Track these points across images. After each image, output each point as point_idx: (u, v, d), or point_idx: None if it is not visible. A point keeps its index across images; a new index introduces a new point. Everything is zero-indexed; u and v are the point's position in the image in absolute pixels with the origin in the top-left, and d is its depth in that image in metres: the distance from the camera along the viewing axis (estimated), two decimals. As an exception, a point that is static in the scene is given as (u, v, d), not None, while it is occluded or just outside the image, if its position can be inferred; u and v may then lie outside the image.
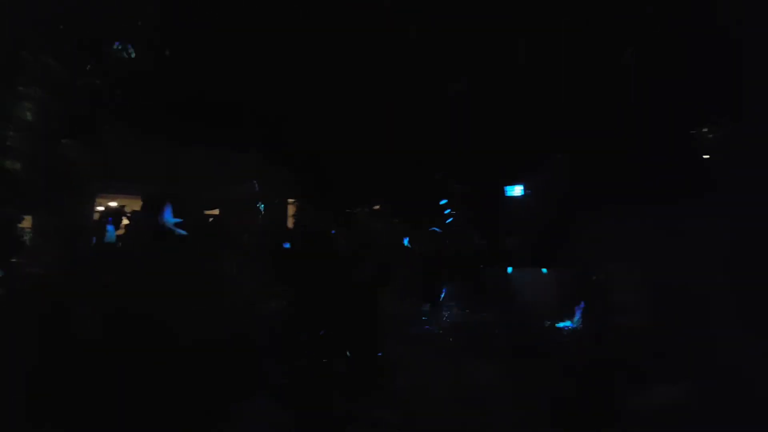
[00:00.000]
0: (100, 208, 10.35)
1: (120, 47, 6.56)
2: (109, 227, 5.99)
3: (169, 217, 4.55)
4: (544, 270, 5.66)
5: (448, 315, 5.04)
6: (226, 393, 3.50)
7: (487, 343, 4.73)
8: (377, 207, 5.99)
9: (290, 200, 6.41)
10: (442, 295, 5.11)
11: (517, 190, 9.00)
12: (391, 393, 3.66)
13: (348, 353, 3.91)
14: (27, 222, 5.77)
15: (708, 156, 5.57)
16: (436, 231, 6.02)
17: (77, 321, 3.70)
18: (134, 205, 5.88)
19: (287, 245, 4.89)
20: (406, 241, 5.27)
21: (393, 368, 3.90)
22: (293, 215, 5.33)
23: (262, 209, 6.23)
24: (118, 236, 5.38)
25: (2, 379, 3.33)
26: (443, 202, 6.63)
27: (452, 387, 3.91)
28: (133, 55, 6.57)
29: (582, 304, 4.76)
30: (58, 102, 6.18)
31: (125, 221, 5.35)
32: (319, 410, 3.34)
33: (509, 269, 5.86)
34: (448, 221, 6.06)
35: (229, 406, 3.44)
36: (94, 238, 5.84)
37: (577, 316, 4.98)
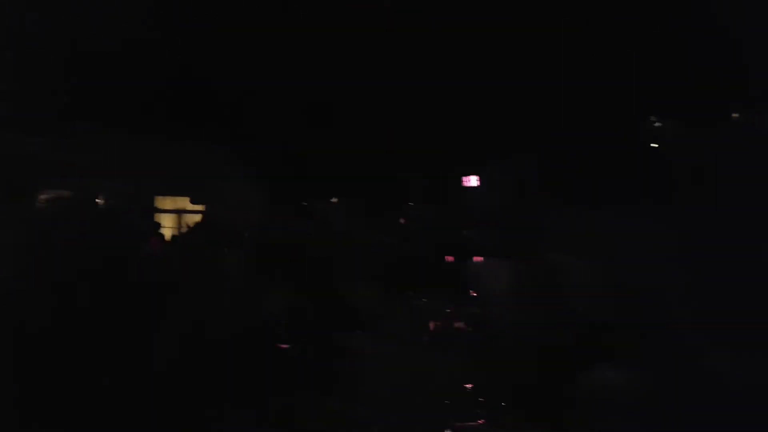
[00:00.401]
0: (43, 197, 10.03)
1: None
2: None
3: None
4: (507, 260, 5.73)
5: (412, 307, 5.06)
6: (188, 393, 3.46)
7: (451, 334, 4.78)
8: (335, 200, 5.98)
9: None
10: (407, 288, 5.13)
11: (475, 181, 9.14)
12: (355, 387, 3.67)
13: (312, 347, 3.91)
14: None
15: (667, 151, 5.72)
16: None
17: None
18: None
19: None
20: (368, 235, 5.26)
21: (357, 362, 3.91)
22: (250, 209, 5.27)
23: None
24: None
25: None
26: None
27: (416, 379, 3.95)
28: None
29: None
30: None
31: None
32: (282, 405, 3.33)
33: (473, 260, 5.92)
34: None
35: (191, 405, 3.39)
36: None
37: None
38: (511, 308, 5.12)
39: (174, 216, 12.10)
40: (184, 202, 12.61)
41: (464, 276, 5.66)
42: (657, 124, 6.29)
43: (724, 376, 3.65)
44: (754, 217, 4.05)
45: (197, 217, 12.14)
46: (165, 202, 12.15)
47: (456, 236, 6.24)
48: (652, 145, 6.27)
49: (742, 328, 3.64)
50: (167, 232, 11.27)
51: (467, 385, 4.05)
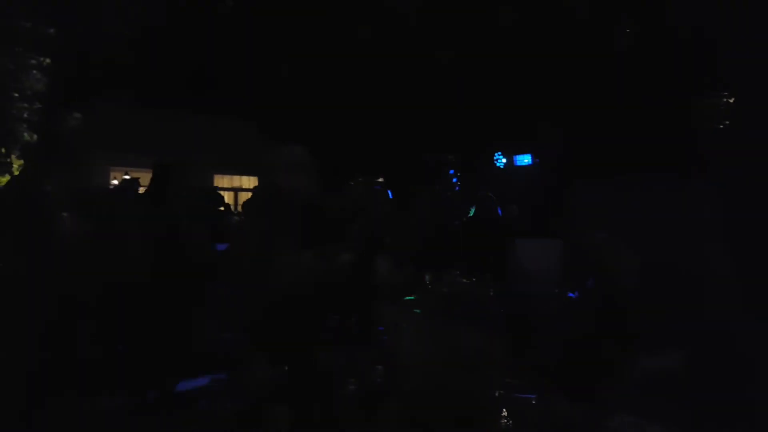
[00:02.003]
0: (115, 182, 10.59)
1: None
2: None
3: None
4: (550, 240, 5.64)
5: (446, 284, 5.04)
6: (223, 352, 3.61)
7: (485, 311, 4.75)
8: (381, 179, 5.99)
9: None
10: (442, 264, 5.12)
11: (525, 160, 8.98)
12: (381, 353, 3.72)
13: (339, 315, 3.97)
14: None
15: (709, 127, 5.46)
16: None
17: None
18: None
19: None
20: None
21: (386, 331, 3.96)
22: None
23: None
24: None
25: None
26: (451, 171, 6.64)
27: (444, 350, 3.95)
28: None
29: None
30: (64, 71, 6.26)
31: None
32: (310, 366, 3.40)
33: (513, 239, 5.85)
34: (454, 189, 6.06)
35: (224, 362, 3.54)
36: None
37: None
38: (553, 287, 5.05)
39: (231, 194, 12.56)
40: (240, 181, 13.05)
41: (507, 254, 5.59)
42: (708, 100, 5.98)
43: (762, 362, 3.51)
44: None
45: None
46: (222, 180, 12.61)
47: (501, 214, 6.16)
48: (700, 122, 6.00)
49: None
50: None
51: (499, 359, 4.03)
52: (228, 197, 12.43)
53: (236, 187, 12.70)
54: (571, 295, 4.87)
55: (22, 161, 5.86)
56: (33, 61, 6.09)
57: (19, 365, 3.38)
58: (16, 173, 5.75)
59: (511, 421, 3.15)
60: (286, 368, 3.15)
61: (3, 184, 5.57)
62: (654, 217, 4.22)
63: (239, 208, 11.60)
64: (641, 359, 3.78)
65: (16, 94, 6.00)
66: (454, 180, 6.29)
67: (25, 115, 6.10)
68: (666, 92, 5.73)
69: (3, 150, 5.88)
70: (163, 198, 4.51)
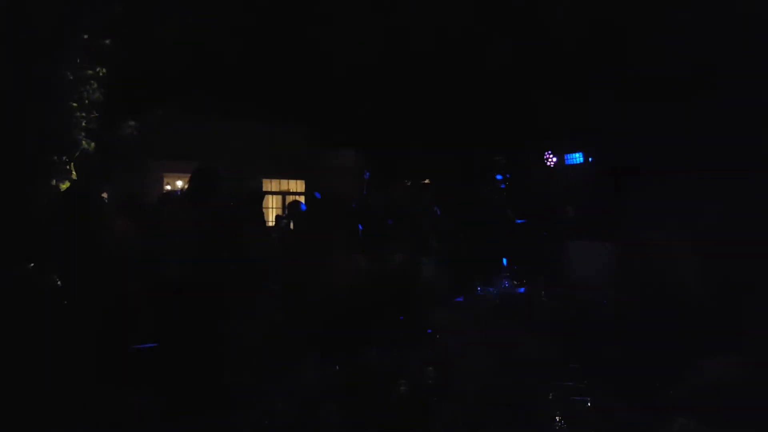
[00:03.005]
0: (168, 187, 10.90)
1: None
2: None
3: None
4: (604, 241, 5.48)
5: (496, 286, 5.00)
6: (279, 352, 3.65)
7: (535, 314, 4.68)
8: (427, 181, 5.96)
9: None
10: (492, 267, 5.06)
11: (577, 158, 8.73)
12: (433, 355, 3.69)
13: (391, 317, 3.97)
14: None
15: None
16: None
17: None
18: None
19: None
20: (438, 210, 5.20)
21: (436, 333, 3.93)
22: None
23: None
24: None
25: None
26: (499, 177, 6.56)
27: (494, 352, 3.90)
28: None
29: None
30: (120, 81, 6.47)
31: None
32: (362, 366, 3.40)
33: (564, 240, 5.73)
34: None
35: (280, 364, 3.57)
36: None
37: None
38: (607, 289, 4.91)
39: (279, 197, 12.78)
40: (288, 184, 13.26)
41: (557, 256, 5.47)
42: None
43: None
44: None
45: (300, 198, 12.75)
46: (271, 184, 12.83)
47: (551, 215, 6.06)
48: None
49: None
50: (271, 213, 11.88)
51: (550, 363, 3.94)
52: (276, 200, 12.63)
53: (284, 190, 12.92)
54: (624, 297, 4.72)
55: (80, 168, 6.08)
56: (90, 72, 6.33)
57: (74, 363, 3.49)
58: (75, 179, 5.95)
59: (565, 424, 3.06)
60: (338, 368, 3.16)
61: (63, 189, 5.79)
62: (716, 218, 4.05)
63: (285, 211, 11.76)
64: (702, 363, 3.63)
65: (75, 104, 6.24)
66: (502, 181, 6.21)
67: (84, 124, 6.34)
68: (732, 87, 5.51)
69: (64, 158, 6.10)
70: (205, 200, 4.60)
